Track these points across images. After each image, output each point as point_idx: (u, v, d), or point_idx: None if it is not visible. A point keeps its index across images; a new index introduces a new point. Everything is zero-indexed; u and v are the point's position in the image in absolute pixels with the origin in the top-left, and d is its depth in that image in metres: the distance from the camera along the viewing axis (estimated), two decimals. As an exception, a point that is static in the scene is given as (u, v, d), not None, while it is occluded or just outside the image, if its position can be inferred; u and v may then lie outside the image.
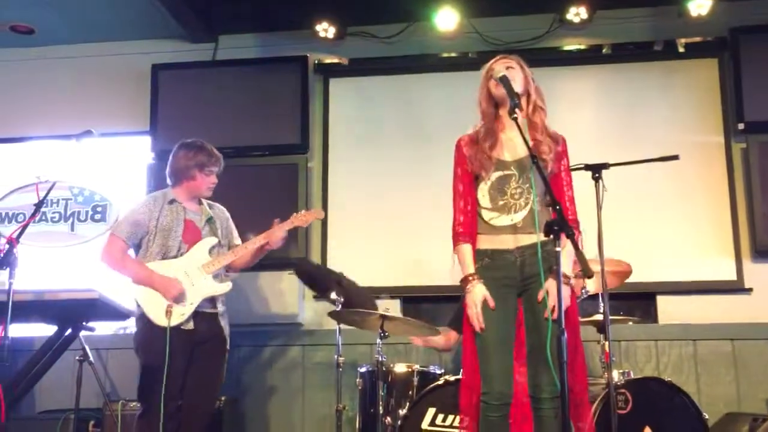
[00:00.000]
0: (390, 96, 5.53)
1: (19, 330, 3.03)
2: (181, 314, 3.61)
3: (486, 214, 2.98)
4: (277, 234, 3.86)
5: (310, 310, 5.23)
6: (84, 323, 3.21)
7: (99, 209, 5.68)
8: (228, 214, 4.07)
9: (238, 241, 4.02)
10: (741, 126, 5.00)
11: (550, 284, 2.75)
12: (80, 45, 5.77)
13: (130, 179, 5.59)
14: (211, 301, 3.79)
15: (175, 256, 3.74)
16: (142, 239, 3.74)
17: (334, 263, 5.21)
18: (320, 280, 4.35)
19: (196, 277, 3.73)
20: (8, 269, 2.70)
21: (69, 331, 3.13)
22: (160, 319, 3.56)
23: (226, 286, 3.84)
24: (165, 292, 3.61)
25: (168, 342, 3.45)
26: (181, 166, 3.85)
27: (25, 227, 2.90)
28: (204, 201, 3.96)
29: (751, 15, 5.11)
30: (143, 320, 3.64)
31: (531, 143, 2.82)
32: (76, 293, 3.07)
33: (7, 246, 2.72)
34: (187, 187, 3.85)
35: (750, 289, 4.86)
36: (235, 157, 5.34)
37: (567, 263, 2.76)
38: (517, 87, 2.94)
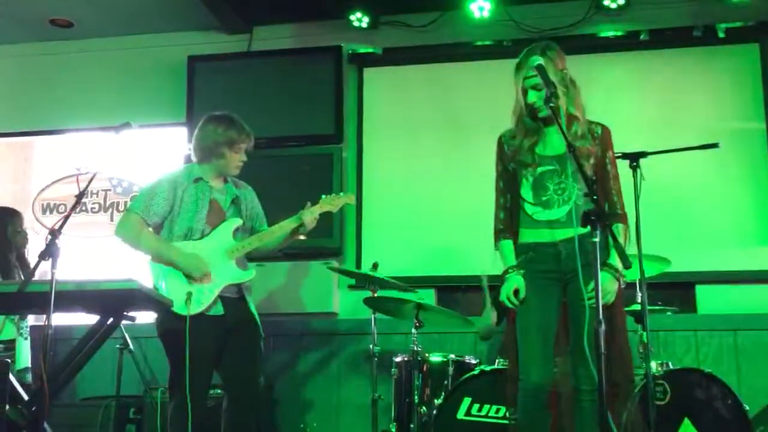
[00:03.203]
0: (424, 85, 5.51)
1: (60, 319, 3.08)
2: (199, 302, 3.36)
3: (529, 209, 2.98)
4: (309, 219, 3.59)
5: (345, 300, 5.26)
6: (125, 313, 3.23)
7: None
8: (254, 195, 3.78)
9: (264, 226, 3.73)
10: (784, 112, 4.91)
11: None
12: (118, 38, 5.86)
13: (168, 170, 5.65)
14: (237, 286, 3.53)
15: (199, 239, 3.47)
16: (164, 219, 3.47)
17: (369, 252, 5.24)
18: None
19: (219, 262, 3.46)
20: (51, 260, 2.74)
21: (110, 320, 3.18)
22: (179, 307, 3.32)
23: (250, 274, 3.57)
24: (190, 271, 3.37)
25: (188, 330, 3.23)
26: (209, 143, 3.54)
27: (67, 218, 2.93)
28: (230, 179, 3.68)
29: (794, -3, 5.01)
30: (165, 306, 3.32)
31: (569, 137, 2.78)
32: (116, 283, 3.09)
33: (49, 237, 2.77)
34: (216, 165, 3.56)
35: (792, 280, 4.78)
36: (270, 147, 5.39)
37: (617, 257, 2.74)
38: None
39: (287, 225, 3.60)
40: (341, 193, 3.84)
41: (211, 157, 3.56)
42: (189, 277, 3.42)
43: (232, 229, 3.57)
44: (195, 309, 3.36)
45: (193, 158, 3.65)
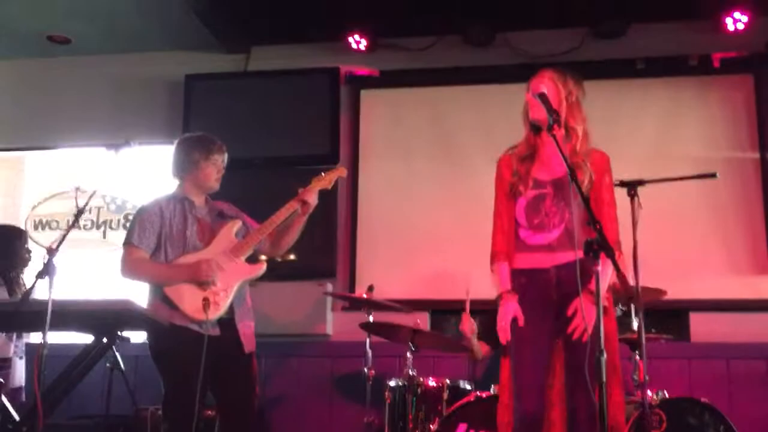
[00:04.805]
0: (421, 108, 5.53)
1: (54, 337, 3.06)
2: (216, 304, 3.34)
3: (522, 233, 2.99)
4: (309, 196, 3.58)
5: (339, 322, 5.23)
6: (119, 333, 3.21)
7: (131, 218, 5.72)
8: (233, 206, 3.79)
9: (252, 225, 3.72)
10: (777, 142, 4.95)
11: (583, 301, 2.71)
12: (115, 55, 5.85)
13: (162, 188, 5.63)
14: (230, 308, 3.46)
15: (200, 250, 3.50)
16: (158, 244, 3.49)
17: (363, 275, 5.22)
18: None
19: (226, 263, 3.46)
20: (48, 278, 2.73)
21: (105, 340, 3.16)
22: (198, 313, 3.30)
23: (260, 267, 3.53)
24: (197, 275, 3.35)
25: (206, 340, 3.20)
26: (184, 159, 3.63)
27: (65, 237, 2.92)
28: (210, 199, 3.73)
29: (788, 30, 5.07)
30: (161, 324, 3.32)
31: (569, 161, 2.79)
32: (110, 304, 3.08)
33: (47, 256, 2.76)
34: (194, 179, 3.62)
35: (785, 308, 4.80)
36: (266, 167, 5.39)
37: (602, 281, 2.74)
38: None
39: (284, 211, 3.59)
40: (331, 170, 3.80)
41: (190, 171, 3.63)
42: (202, 284, 3.40)
43: (233, 231, 3.61)
44: (215, 313, 3.36)
45: (173, 178, 3.71)
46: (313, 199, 3.62)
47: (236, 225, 3.64)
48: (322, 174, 3.72)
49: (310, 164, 5.42)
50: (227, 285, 3.44)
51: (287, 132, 5.51)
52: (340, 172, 3.82)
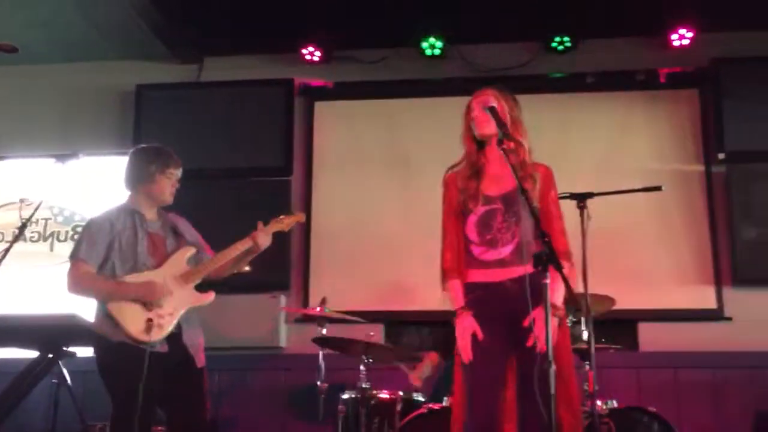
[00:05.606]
0: (374, 120, 5.55)
1: (-4, 353, 2.98)
2: (160, 326, 3.30)
3: (474, 249, 2.99)
4: (262, 238, 3.57)
5: (292, 334, 5.20)
6: (64, 348, 3.13)
7: (79, 229, 5.61)
8: (189, 223, 3.74)
9: (206, 250, 3.68)
10: (721, 155, 5.08)
11: (537, 313, 2.74)
12: (64, 64, 5.76)
13: (112, 199, 5.53)
14: (177, 324, 3.41)
15: (150, 270, 3.42)
16: (107, 257, 3.40)
17: (316, 287, 5.20)
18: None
19: (176, 288, 3.42)
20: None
21: (50, 355, 3.08)
22: (141, 334, 3.24)
23: (209, 297, 3.49)
24: (145, 295, 3.30)
25: (147, 359, 3.13)
26: (140, 171, 3.53)
27: (8, 250, 2.85)
28: (162, 212, 3.64)
29: (731, 46, 5.20)
30: (107, 339, 3.29)
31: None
32: (56, 318, 3.00)
33: (-12, 270, 2.69)
34: (148, 192, 3.53)
35: (730, 318, 4.91)
36: (218, 178, 5.34)
37: (558, 294, 2.77)
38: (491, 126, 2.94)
39: (240, 245, 3.56)
40: (290, 213, 3.82)
41: (144, 185, 3.54)
42: (148, 304, 3.34)
43: (186, 256, 3.55)
44: (157, 335, 3.29)
45: (126, 190, 3.62)
46: (265, 241, 3.60)
47: (190, 251, 3.58)
48: (281, 217, 3.73)
49: (263, 176, 5.43)
50: (174, 309, 3.39)
51: (240, 143, 5.48)
52: (299, 217, 3.86)
